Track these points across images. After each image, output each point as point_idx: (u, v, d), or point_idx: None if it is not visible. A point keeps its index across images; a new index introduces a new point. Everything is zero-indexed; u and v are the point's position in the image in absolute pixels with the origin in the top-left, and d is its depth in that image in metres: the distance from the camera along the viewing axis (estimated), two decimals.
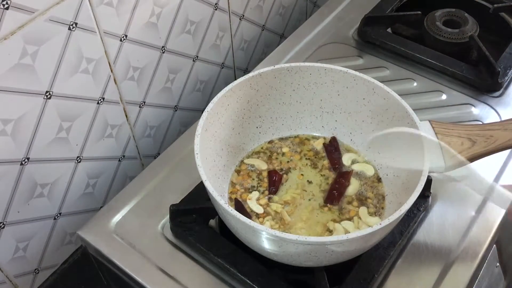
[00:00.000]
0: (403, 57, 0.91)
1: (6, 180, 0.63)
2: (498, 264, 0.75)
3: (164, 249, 0.68)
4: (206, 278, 0.65)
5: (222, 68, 0.94)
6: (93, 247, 0.69)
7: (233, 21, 0.90)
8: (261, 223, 0.65)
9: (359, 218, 0.65)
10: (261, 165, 0.71)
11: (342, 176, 0.69)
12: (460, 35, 0.91)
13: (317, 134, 0.75)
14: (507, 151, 0.77)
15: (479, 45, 0.88)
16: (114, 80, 0.72)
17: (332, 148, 0.72)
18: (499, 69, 0.84)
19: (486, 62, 0.85)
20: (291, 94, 0.72)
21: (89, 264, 0.75)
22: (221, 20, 0.87)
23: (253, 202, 0.67)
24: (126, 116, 0.77)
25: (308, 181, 0.70)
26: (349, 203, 0.67)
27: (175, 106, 0.87)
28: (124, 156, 0.81)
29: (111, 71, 0.71)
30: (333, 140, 0.73)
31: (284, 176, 0.70)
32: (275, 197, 0.68)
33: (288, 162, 0.72)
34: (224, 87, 0.66)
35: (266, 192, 0.68)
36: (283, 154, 0.73)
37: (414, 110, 0.64)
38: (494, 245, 0.70)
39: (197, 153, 0.60)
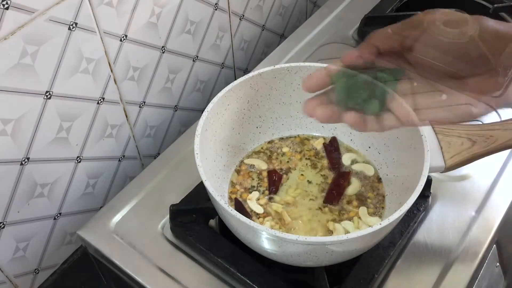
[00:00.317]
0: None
1: (6, 180, 0.63)
2: (498, 264, 0.75)
3: (164, 249, 0.68)
4: (206, 278, 0.65)
5: (222, 68, 0.94)
6: (93, 247, 0.69)
7: (233, 21, 0.90)
8: (261, 223, 0.65)
9: (359, 218, 0.65)
10: (261, 165, 0.71)
11: (341, 176, 0.69)
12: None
13: (317, 134, 0.75)
14: (507, 151, 0.77)
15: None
16: (114, 80, 0.72)
17: (332, 148, 0.72)
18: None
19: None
20: (291, 94, 0.72)
21: (89, 264, 0.75)
22: (221, 20, 0.87)
23: (253, 202, 0.67)
24: (126, 116, 0.77)
25: (308, 181, 0.70)
26: (349, 203, 0.67)
27: (175, 106, 0.87)
28: (124, 156, 0.81)
29: (111, 71, 0.71)
30: (333, 140, 0.73)
31: (284, 176, 0.70)
32: (276, 197, 0.68)
33: (288, 162, 0.72)
34: (224, 87, 0.66)
35: (266, 192, 0.68)
36: (283, 154, 0.73)
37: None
38: (494, 245, 0.71)
39: (197, 153, 0.60)
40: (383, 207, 0.67)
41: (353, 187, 0.68)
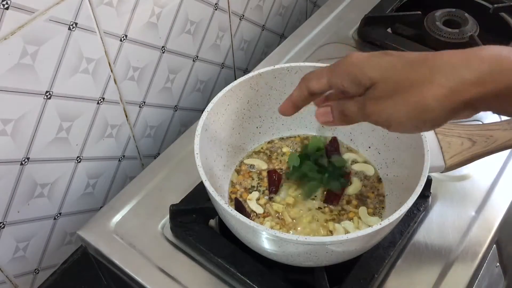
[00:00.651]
0: None
1: (6, 180, 0.63)
2: (498, 264, 0.75)
3: (164, 249, 0.68)
4: (206, 278, 0.65)
5: (222, 68, 0.94)
6: (93, 247, 0.69)
7: (233, 21, 0.90)
8: (261, 223, 0.65)
9: (359, 218, 0.65)
10: (261, 165, 0.71)
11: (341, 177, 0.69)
12: (460, 35, 0.91)
13: (317, 134, 0.75)
14: (507, 151, 0.77)
15: (479, 45, 0.87)
16: (114, 80, 0.72)
17: (332, 148, 0.72)
18: None
19: None
20: None
21: (89, 264, 0.75)
22: (221, 20, 0.87)
23: (253, 202, 0.67)
24: (126, 116, 0.77)
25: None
26: (349, 203, 0.67)
27: (175, 106, 0.87)
28: (124, 156, 0.81)
29: (111, 71, 0.71)
30: (333, 140, 0.73)
31: (284, 176, 0.70)
32: (276, 197, 0.68)
33: (288, 162, 0.72)
34: (224, 87, 0.66)
35: (266, 192, 0.68)
36: (283, 154, 0.73)
37: None
38: (494, 245, 0.71)
39: (197, 153, 0.60)
40: (383, 207, 0.67)
41: (353, 187, 0.68)
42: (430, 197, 0.72)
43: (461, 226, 0.69)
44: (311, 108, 0.73)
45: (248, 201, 0.67)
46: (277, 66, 0.69)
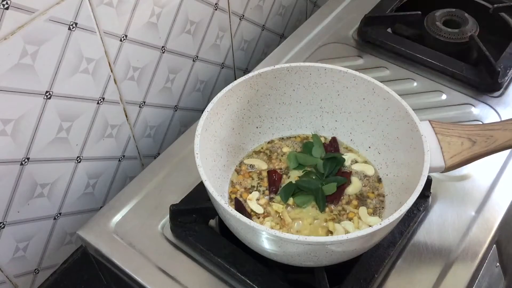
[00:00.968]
0: (403, 57, 0.91)
1: (6, 180, 0.63)
2: (498, 264, 0.75)
3: (164, 249, 0.68)
4: (206, 278, 0.65)
5: (222, 68, 0.94)
6: (93, 247, 0.69)
7: (233, 21, 0.90)
8: (261, 223, 0.65)
9: (359, 218, 0.65)
10: (261, 165, 0.71)
11: (341, 176, 0.69)
12: (460, 35, 0.91)
13: (317, 134, 0.75)
14: (507, 151, 0.77)
15: (479, 45, 0.88)
16: (114, 80, 0.72)
17: (332, 148, 0.72)
18: (499, 69, 0.84)
19: (486, 62, 0.85)
20: (291, 94, 0.72)
21: (89, 264, 0.75)
22: (221, 20, 0.87)
23: (253, 202, 0.67)
24: (126, 116, 0.77)
25: None
26: (349, 203, 0.67)
27: (175, 106, 0.87)
28: (124, 156, 0.81)
29: (111, 71, 0.71)
30: (333, 140, 0.73)
31: (284, 176, 0.70)
32: (276, 197, 0.68)
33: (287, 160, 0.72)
34: (224, 87, 0.66)
35: (267, 192, 0.68)
36: (283, 154, 0.73)
37: (414, 110, 0.64)
38: (494, 245, 0.71)
39: (197, 153, 0.60)
40: (383, 207, 0.67)
41: (353, 187, 0.68)
42: (430, 197, 0.72)
43: (461, 226, 0.69)
44: (311, 108, 0.73)
45: (248, 201, 0.67)
46: (277, 66, 0.69)
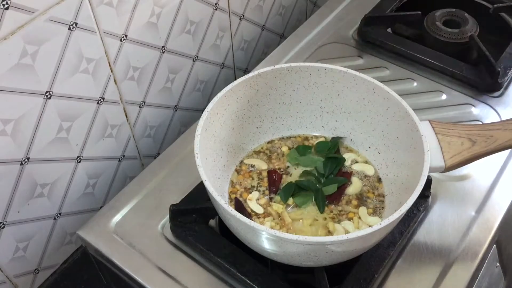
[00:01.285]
0: (403, 57, 0.91)
1: (6, 180, 0.63)
2: (498, 264, 0.75)
3: (164, 249, 0.68)
4: (206, 278, 0.65)
5: (222, 68, 0.94)
6: (93, 247, 0.69)
7: (233, 21, 0.90)
8: (261, 223, 0.65)
9: (359, 218, 0.65)
10: (261, 165, 0.71)
11: (342, 176, 0.69)
12: (460, 35, 0.91)
13: (317, 134, 0.75)
14: (507, 151, 0.77)
15: (479, 45, 0.88)
16: (114, 80, 0.72)
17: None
18: (499, 69, 0.84)
19: (486, 62, 0.85)
20: (291, 94, 0.72)
21: (89, 264, 0.75)
22: (221, 20, 0.87)
23: (253, 202, 0.67)
24: (126, 116, 0.77)
25: None
26: (349, 203, 0.67)
27: (175, 106, 0.87)
28: (124, 156, 0.81)
29: (111, 71, 0.71)
30: (333, 140, 0.73)
31: (284, 176, 0.70)
32: (276, 197, 0.68)
33: (288, 158, 0.72)
34: (224, 87, 0.66)
35: (267, 192, 0.68)
36: (283, 154, 0.73)
37: (414, 110, 0.64)
38: (494, 245, 0.70)
39: (197, 153, 0.60)
40: (383, 207, 0.67)
41: (353, 187, 0.68)
42: (430, 197, 0.72)
43: (461, 226, 0.69)
44: (311, 108, 0.73)
45: (248, 201, 0.67)
46: (277, 66, 0.69)
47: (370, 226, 0.55)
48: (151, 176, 0.77)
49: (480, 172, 0.75)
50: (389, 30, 0.97)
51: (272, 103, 0.72)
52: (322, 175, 0.69)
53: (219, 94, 0.66)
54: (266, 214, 0.66)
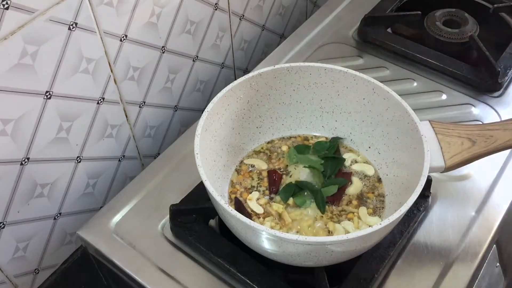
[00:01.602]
0: (403, 57, 0.91)
1: (6, 180, 0.63)
2: (498, 264, 0.75)
3: (164, 249, 0.68)
4: (206, 278, 0.65)
5: (222, 68, 0.94)
6: (93, 247, 0.69)
7: (233, 21, 0.90)
8: (261, 223, 0.65)
9: (359, 218, 0.65)
10: (261, 165, 0.71)
11: (342, 177, 0.69)
12: (460, 35, 0.91)
13: (317, 134, 0.75)
14: (507, 151, 0.77)
15: (479, 45, 0.88)
16: (114, 80, 0.72)
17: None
18: (499, 69, 0.84)
19: (486, 62, 0.85)
20: (291, 94, 0.72)
21: (89, 264, 0.75)
22: (221, 20, 0.87)
23: (253, 202, 0.67)
24: (126, 116, 0.77)
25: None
26: (349, 203, 0.67)
27: (175, 106, 0.87)
28: (124, 156, 0.81)
29: (111, 71, 0.71)
30: (333, 140, 0.73)
31: (284, 176, 0.70)
32: (276, 197, 0.68)
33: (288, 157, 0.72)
34: (224, 87, 0.66)
35: (267, 192, 0.68)
36: (283, 154, 0.73)
37: (414, 110, 0.64)
38: (494, 245, 0.71)
39: (197, 153, 0.60)
40: (383, 207, 0.67)
41: (354, 187, 0.68)
42: (430, 197, 0.72)
43: (461, 226, 0.69)
44: (311, 108, 0.73)
45: (248, 201, 0.67)
46: (277, 66, 0.69)
47: (370, 226, 0.55)
48: (151, 176, 0.77)
49: (480, 172, 0.75)
50: (389, 30, 0.97)
51: (272, 103, 0.72)
52: (323, 175, 0.69)
53: (219, 94, 0.66)
54: (266, 214, 0.66)
